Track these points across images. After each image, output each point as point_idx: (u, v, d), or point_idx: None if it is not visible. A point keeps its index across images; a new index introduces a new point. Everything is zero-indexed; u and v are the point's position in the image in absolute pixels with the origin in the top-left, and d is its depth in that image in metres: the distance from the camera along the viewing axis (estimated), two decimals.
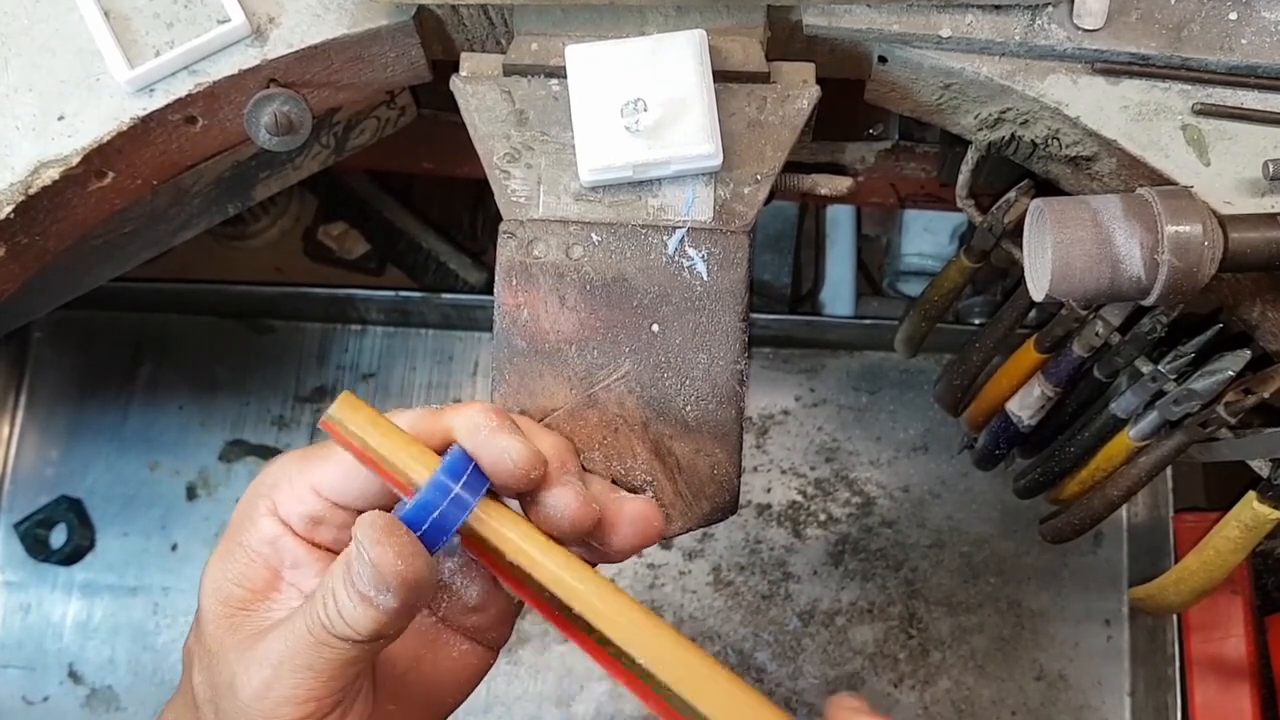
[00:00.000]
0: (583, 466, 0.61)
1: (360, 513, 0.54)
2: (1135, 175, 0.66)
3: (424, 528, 0.51)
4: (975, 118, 0.69)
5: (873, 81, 0.70)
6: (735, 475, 0.62)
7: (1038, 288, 0.63)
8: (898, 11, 0.64)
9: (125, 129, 0.64)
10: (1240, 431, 0.73)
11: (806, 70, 0.64)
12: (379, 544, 0.48)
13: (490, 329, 0.76)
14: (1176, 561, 0.84)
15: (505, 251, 0.63)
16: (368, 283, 1.39)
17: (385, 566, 0.48)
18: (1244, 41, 0.64)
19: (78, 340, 1.36)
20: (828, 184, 0.73)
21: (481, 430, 0.52)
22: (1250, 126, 0.64)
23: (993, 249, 0.83)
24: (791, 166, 0.67)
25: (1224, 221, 0.59)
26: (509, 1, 0.63)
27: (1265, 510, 0.74)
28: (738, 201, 0.62)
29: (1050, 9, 0.64)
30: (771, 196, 0.64)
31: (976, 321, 1.25)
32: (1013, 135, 0.69)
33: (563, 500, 0.53)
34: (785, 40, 0.67)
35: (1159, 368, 0.74)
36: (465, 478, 0.52)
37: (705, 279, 0.62)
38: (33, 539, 1.28)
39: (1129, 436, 0.78)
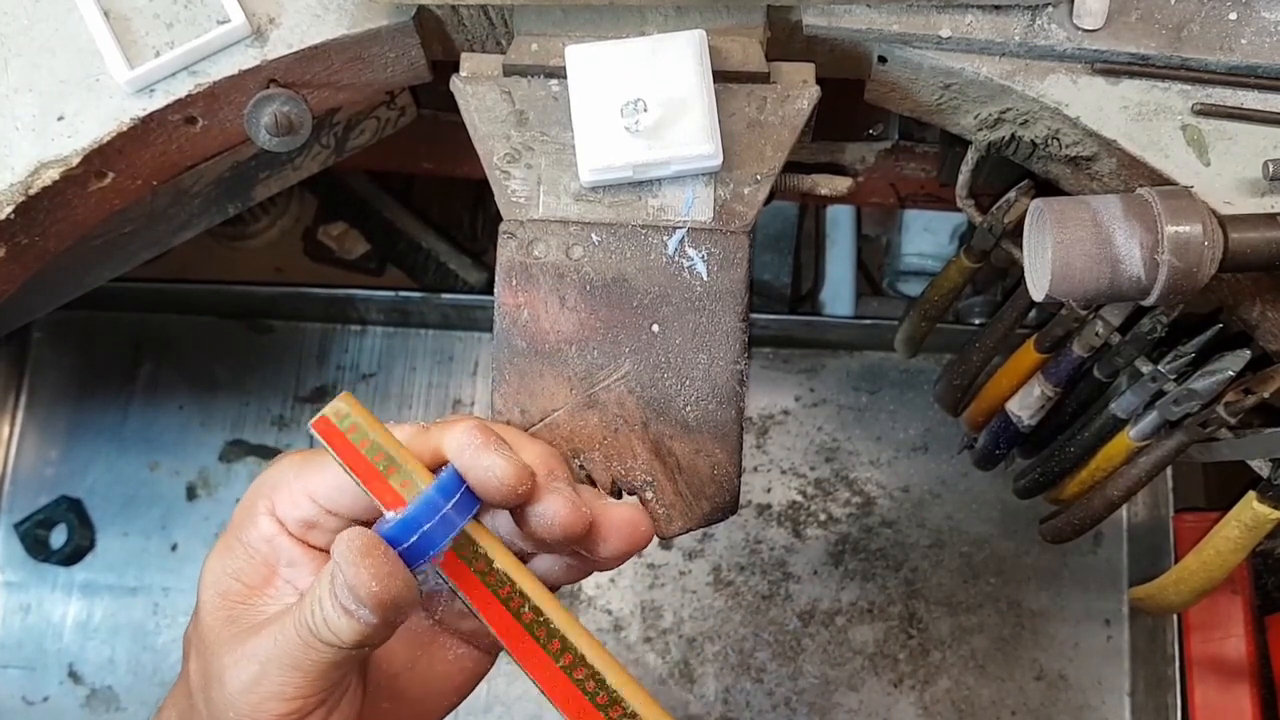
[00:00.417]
0: (582, 468, 0.61)
1: (353, 520, 0.54)
2: (1135, 175, 0.66)
3: (408, 544, 0.51)
4: (975, 118, 0.69)
5: (873, 81, 0.70)
6: (735, 475, 0.62)
7: (1038, 288, 0.63)
8: (898, 11, 0.64)
9: (125, 129, 0.64)
10: (1240, 431, 0.73)
11: (806, 70, 0.64)
12: (354, 565, 0.48)
13: (490, 329, 0.77)
14: (1176, 561, 0.84)
15: (505, 252, 0.63)
16: (368, 283, 1.39)
17: (360, 588, 0.48)
18: (1244, 41, 0.64)
19: (78, 340, 1.36)
20: (828, 184, 0.73)
21: (467, 449, 0.52)
22: (1250, 126, 0.64)
23: (993, 249, 0.83)
24: (791, 166, 0.67)
25: (1224, 221, 0.59)
26: (509, 2, 0.63)
27: (1265, 510, 0.74)
28: (738, 202, 0.62)
29: (1050, 9, 0.64)
30: (771, 196, 0.64)
31: (976, 321, 1.25)
32: (1013, 135, 0.69)
33: (552, 508, 0.53)
34: (785, 40, 0.67)
35: (1159, 368, 0.74)
36: (456, 498, 0.51)
37: (705, 279, 0.62)
38: (33, 539, 1.28)
39: (1129, 436, 0.78)
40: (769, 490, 1.30)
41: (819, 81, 0.64)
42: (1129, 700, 1.22)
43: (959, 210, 0.80)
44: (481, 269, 1.37)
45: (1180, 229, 0.58)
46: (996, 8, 0.64)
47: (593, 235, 0.62)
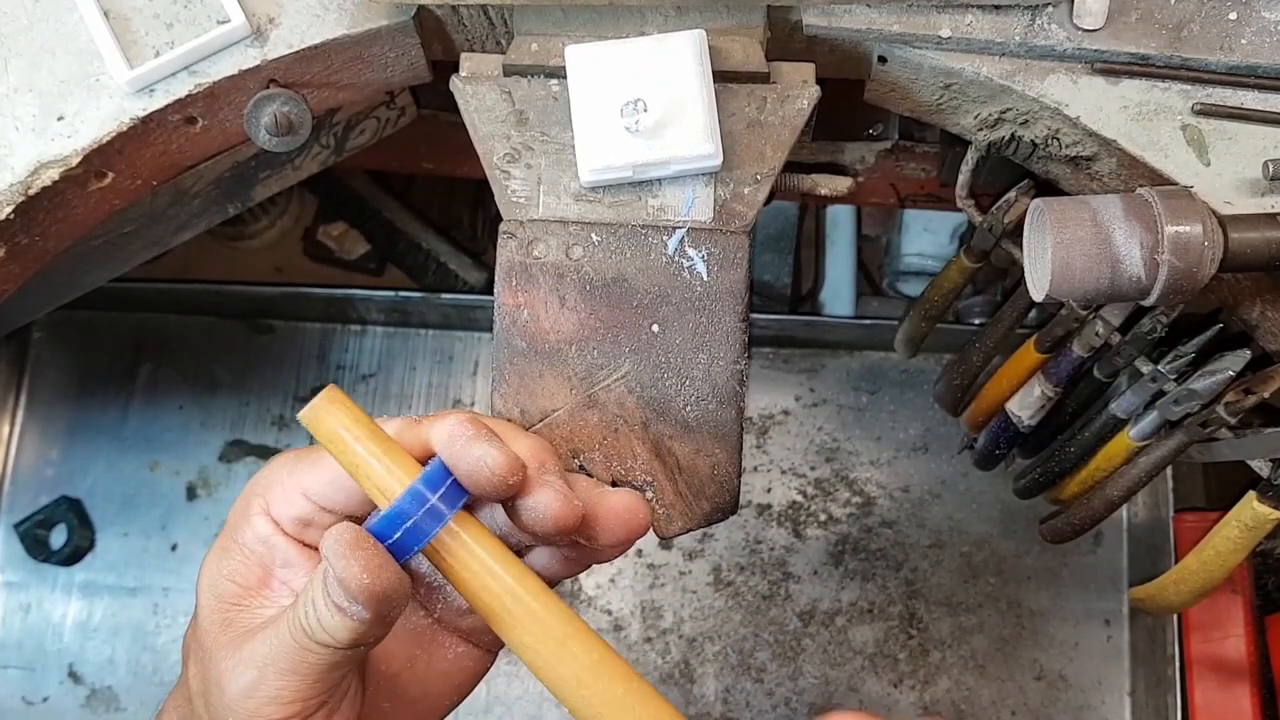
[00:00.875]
0: (582, 467, 0.61)
1: (348, 517, 0.54)
2: (1135, 175, 0.66)
3: (395, 537, 0.50)
4: (975, 118, 0.69)
5: (873, 81, 0.70)
6: (735, 475, 0.62)
7: (1038, 288, 0.63)
8: (898, 11, 0.64)
9: (125, 129, 0.64)
10: (1240, 431, 0.73)
11: (806, 70, 0.64)
12: (343, 558, 0.48)
13: (490, 329, 0.77)
14: (1176, 561, 0.84)
15: (505, 252, 0.63)
16: (368, 283, 1.39)
17: (351, 581, 0.48)
18: (1244, 41, 0.64)
19: (78, 340, 1.36)
20: (828, 184, 0.73)
21: (458, 440, 0.52)
22: (1250, 126, 0.64)
23: (993, 249, 0.83)
24: (791, 166, 0.67)
25: (1224, 221, 0.59)
26: (509, 1, 0.63)
27: (1265, 510, 0.74)
28: (738, 201, 0.62)
29: (1050, 9, 0.64)
30: (771, 196, 0.64)
31: (976, 321, 1.25)
32: (1013, 135, 0.69)
33: (543, 501, 0.53)
34: (785, 40, 0.67)
35: (1159, 368, 0.74)
36: (443, 490, 0.51)
37: (705, 279, 0.62)
38: (33, 539, 1.28)
39: (1129, 436, 0.78)
40: (769, 490, 1.30)
41: (819, 81, 0.64)
42: (1129, 700, 1.22)
43: (959, 210, 0.80)
44: (481, 269, 1.37)
45: (1180, 229, 0.58)
46: (996, 8, 0.64)
47: (593, 235, 0.62)
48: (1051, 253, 0.60)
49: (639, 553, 1.28)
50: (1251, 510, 0.75)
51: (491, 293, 0.64)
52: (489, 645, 0.60)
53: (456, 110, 0.65)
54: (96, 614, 1.28)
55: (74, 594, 1.29)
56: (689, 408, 0.61)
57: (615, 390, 0.62)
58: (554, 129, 0.63)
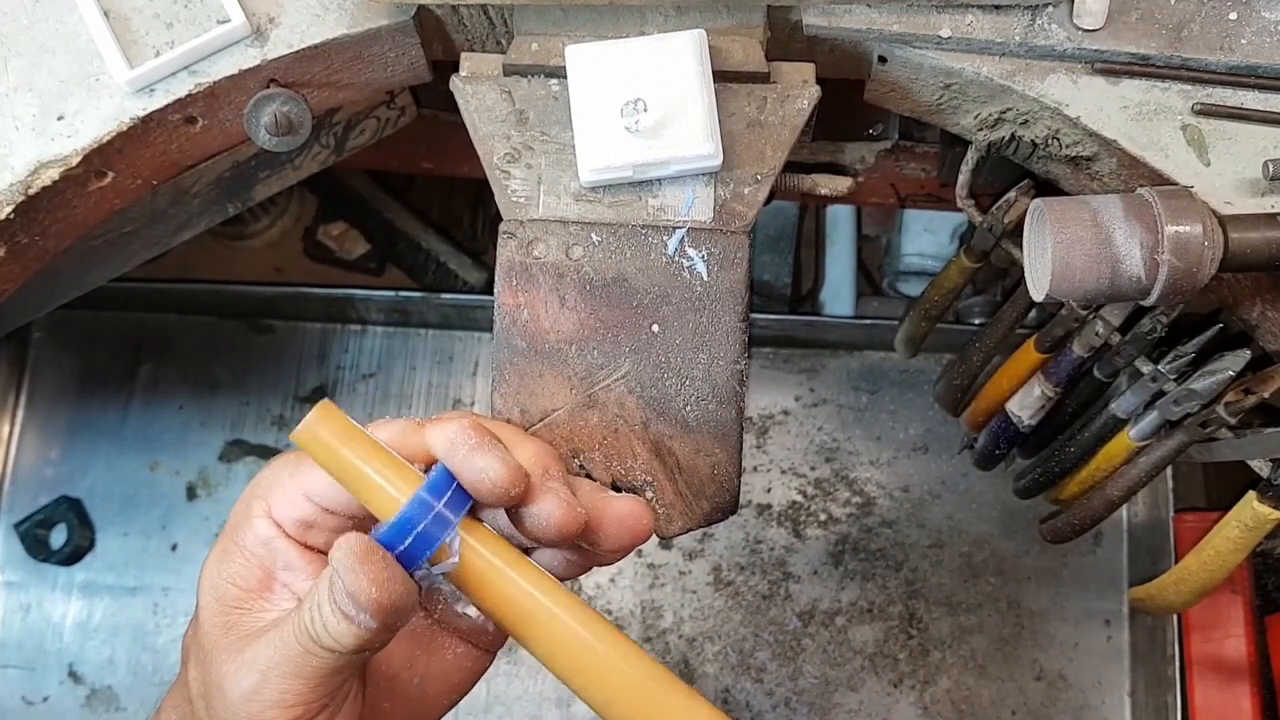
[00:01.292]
0: (582, 468, 0.61)
1: (351, 518, 0.54)
2: (1135, 175, 0.66)
3: (404, 546, 0.50)
4: (975, 118, 0.69)
5: (873, 81, 0.70)
6: (735, 475, 0.62)
7: (1038, 288, 0.63)
8: (898, 11, 0.64)
9: (125, 129, 0.64)
10: (1240, 431, 0.73)
11: (806, 70, 0.64)
12: (353, 571, 0.48)
13: (490, 329, 0.76)
14: (1176, 561, 0.84)
15: (505, 251, 0.63)
16: (368, 283, 1.39)
17: (360, 594, 0.48)
18: (1244, 41, 0.64)
19: (78, 340, 1.36)
20: (828, 184, 0.73)
21: (460, 449, 0.52)
22: (1250, 126, 0.64)
23: (993, 249, 0.83)
24: (791, 166, 0.67)
25: (1224, 221, 0.59)
26: (509, 1, 0.63)
27: (1265, 510, 0.74)
28: (738, 201, 0.62)
29: (1050, 9, 0.64)
30: (771, 196, 0.64)
31: (976, 321, 1.25)
32: (1013, 135, 0.69)
33: (547, 509, 0.53)
34: (785, 40, 0.67)
35: (1159, 368, 0.74)
36: (448, 496, 0.51)
37: (705, 279, 0.62)
38: (33, 539, 1.28)
39: (1129, 436, 0.78)
40: (769, 490, 1.30)
41: (819, 81, 0.64)
42: (1129, 700, 1.22)
43: (959, 210, 0.80)
44: (481, 269, 1.37)
45: (1180, 229, 0.58)
46: (996, 8, 0.64)
47: (593, 235, 0.62)
48: (1051, 253, 0.60)
49: (639, 552, 1.28)
50: (1251, 510, 0.75)
51: (491, 293, 0.64)
52: (488, 645, 0.60)
53: (456, 110, 0.65)
54: (96, 614, 1.28)
55: (74, 594, 1.29)
56: (689, 408, 0.61)
57: (615, 390, 0.62)
58: (554, 129, 0.63)
